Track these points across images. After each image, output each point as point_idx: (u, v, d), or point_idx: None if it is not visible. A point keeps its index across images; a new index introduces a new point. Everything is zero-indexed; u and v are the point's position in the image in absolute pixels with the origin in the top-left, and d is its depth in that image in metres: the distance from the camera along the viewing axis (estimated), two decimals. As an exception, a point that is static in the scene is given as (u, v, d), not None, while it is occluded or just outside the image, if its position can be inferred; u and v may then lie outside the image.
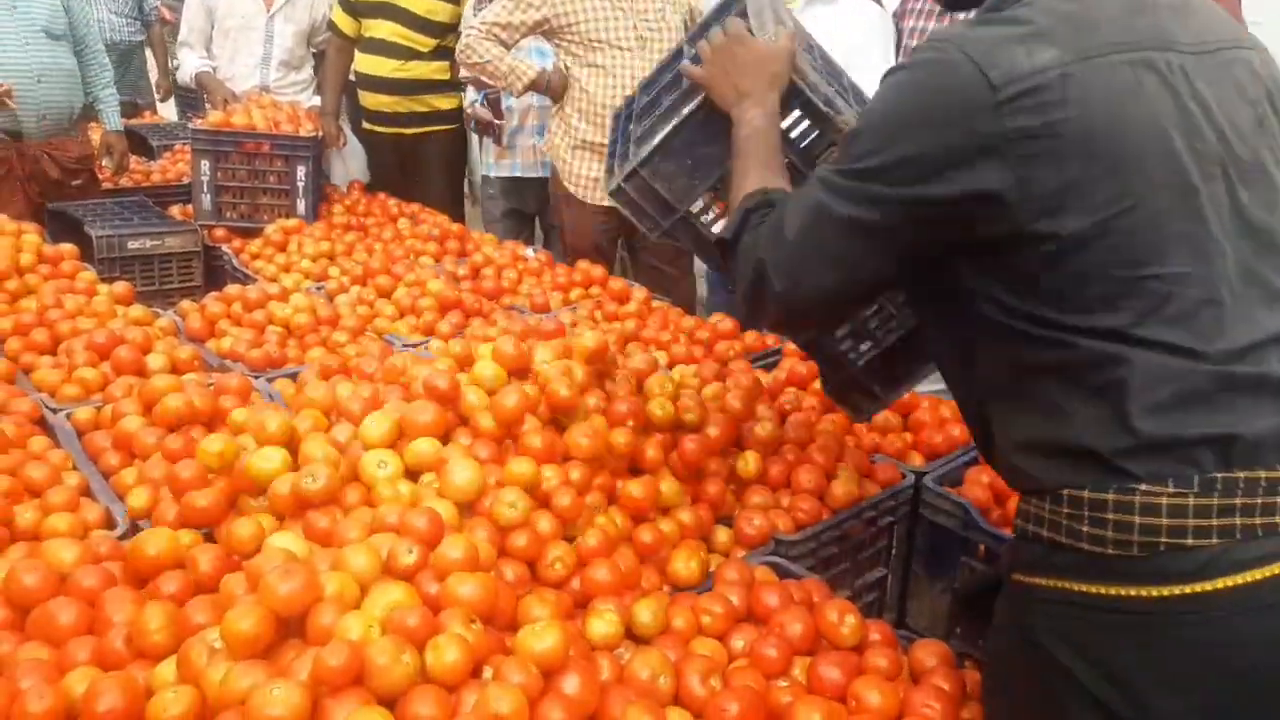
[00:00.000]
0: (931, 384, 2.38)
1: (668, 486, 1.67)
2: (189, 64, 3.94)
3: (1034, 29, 0.98)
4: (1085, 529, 0.99)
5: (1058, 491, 1.01)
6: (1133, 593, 0.96)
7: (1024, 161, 0.96)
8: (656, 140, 1.41)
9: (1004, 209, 0.97)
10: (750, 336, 2.62)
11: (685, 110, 1.42)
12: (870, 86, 2.69)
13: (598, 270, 3.10)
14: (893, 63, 2.72)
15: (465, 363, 1.81)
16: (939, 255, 1.06)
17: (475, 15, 3.59)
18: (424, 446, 1.53)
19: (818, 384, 2.32)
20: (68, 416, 2.00)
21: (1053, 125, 0.95)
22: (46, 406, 2.04)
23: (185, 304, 2.70)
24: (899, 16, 2.83)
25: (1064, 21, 0.99)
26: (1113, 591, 0.97)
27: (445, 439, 1.58)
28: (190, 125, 3.70)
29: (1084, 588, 1.00)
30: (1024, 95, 0.95)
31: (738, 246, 1.22)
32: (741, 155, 1.33)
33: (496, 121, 3.67)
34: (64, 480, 1.76)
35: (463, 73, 3.75)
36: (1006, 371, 1.06)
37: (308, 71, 4.11)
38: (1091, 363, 0.98)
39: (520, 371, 1.73)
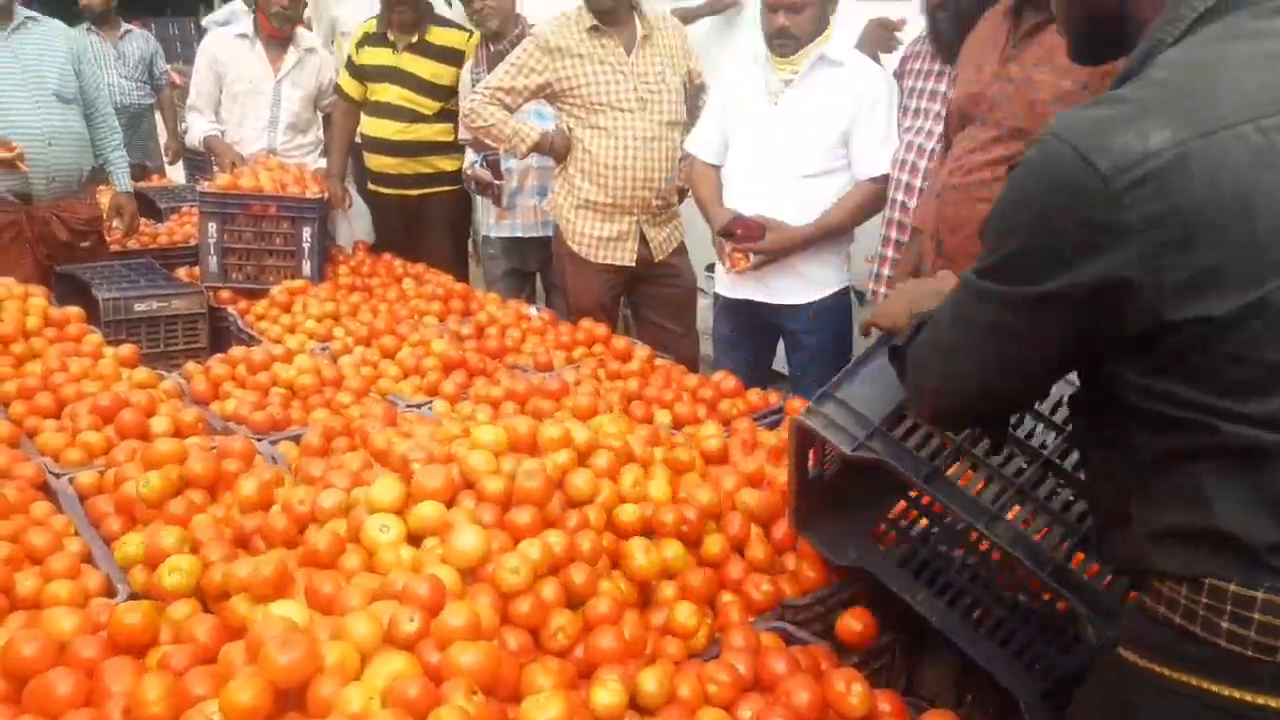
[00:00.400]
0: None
1: (673, 551, 1.65)
2: (197, 128, 4.00)
3: (1143, 107, 0.93)
4: (1225, 624, 0.92)
5: (1199, 579, 0.95)
6: (1272, 704, 0.90)
7: (1152, 248, 0.91)
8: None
9: (1138, 298, 0.93)
10: (754, 394, 2.62)
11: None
12: (877, 144, 2.75)
13: (600, 329, 3.11)
14: (894, 127, 2.78)
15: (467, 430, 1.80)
16: (1080, 347, 1.02)
17: (473, 76, 3.65)
18: (428, 511, 1.52)
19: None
20: (70, 481, 1.99)
21: (1177, 208, 0.90)
22: (50, 471, 2.04)
23: (190, 366, 2.71)
24: (898, 76, 2.88)
25: (1179, 95, 0.94)
26: (1247, 698, 0.91)
27: (449, 504, 1.57)
28: (198, 188, 3.74)
29: (1212, 687, 0.93)
30: (1140, 182, 0.90)
31: (905, 352, 1.24)
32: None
33: (496, 182, 3.71)
34: (65, 547, 1.75)
35: (462, 134, 3.80)
36: (1150, 456, 1.00)
37: (314, 134, 4.18)
38: (1243, 450, 0.92)
39: (526, 443, 1.72)
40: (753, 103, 2.87)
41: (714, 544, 1.73)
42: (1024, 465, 1.44)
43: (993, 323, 1.04)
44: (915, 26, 2.88)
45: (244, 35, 3.95)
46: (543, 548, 1.47)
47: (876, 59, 2.99)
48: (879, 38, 2.90)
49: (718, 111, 3.00)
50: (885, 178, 2.79)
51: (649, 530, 1.68)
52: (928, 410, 1.23)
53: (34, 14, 3.56)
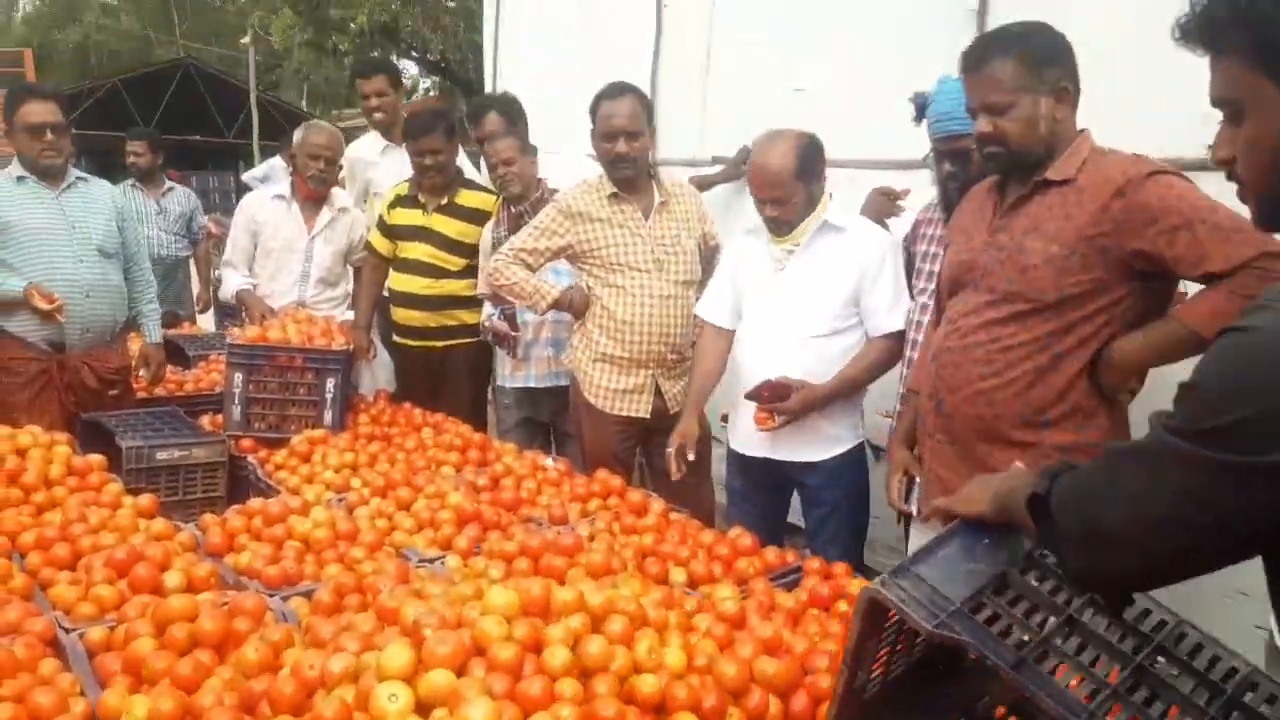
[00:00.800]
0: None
1: (687, 724, 1.61)
2: (231, 282, 4.16)
3: None
4: None
5: None
6: None
7: None
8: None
9: None
10: (770, 553, 2.60)
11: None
12: (889, 303, 2.81)
13: (616, 480, 3.12)
14: (903, 285, 2.85)
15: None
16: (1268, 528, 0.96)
17: (493, 235, 3.80)
18: (439, 679, 1.50)
19: (843, 606, 2.28)
20: (80, 637, 1.98)
21: None
22: (61, 626, 2.03)
23: (207, 518, 2.72)
24: (910, 241, 2.96)
25: None
26: None
27: (460, 671, 1.55)
28: (227, 339, 3.85)
29: None
30: None
31: (1051, 502, 1.17)
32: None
33: (512, 334, 3.81)
34: (70, 708, 1.73)
35: (480, 288, 3.92)
36: None
37: (344, 288, 4.33)
38: None
39: (539, 607, 1.71)
40: (759, 271, 2.96)
41: (733, 717, 1.68)
42: (1120, 662, 1.33)
43: (1187, 488, 0.99)
44: (924, 194, 2.99)
45: (281, 196, 4.16)
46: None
47: (883, 224, 3.10)
48: (881, 205, 3.01)
49: (727, 277, 3.09)
50: (900, 334, 2.84)
51: (665, 703, 1.64)
52: (1083, 562, 1.14)
53: (84, 175, 3.77)
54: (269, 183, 4.38)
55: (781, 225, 2.86)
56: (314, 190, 4.11)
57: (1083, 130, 2.13)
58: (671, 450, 3.02)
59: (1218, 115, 2.42)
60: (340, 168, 4.38)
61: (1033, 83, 2.06)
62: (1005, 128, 2.08)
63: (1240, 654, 1.60)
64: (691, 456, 3.01)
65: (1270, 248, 1.86)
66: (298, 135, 4.18)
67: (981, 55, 2.11)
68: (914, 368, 2.65)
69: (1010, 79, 2.06)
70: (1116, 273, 2.03)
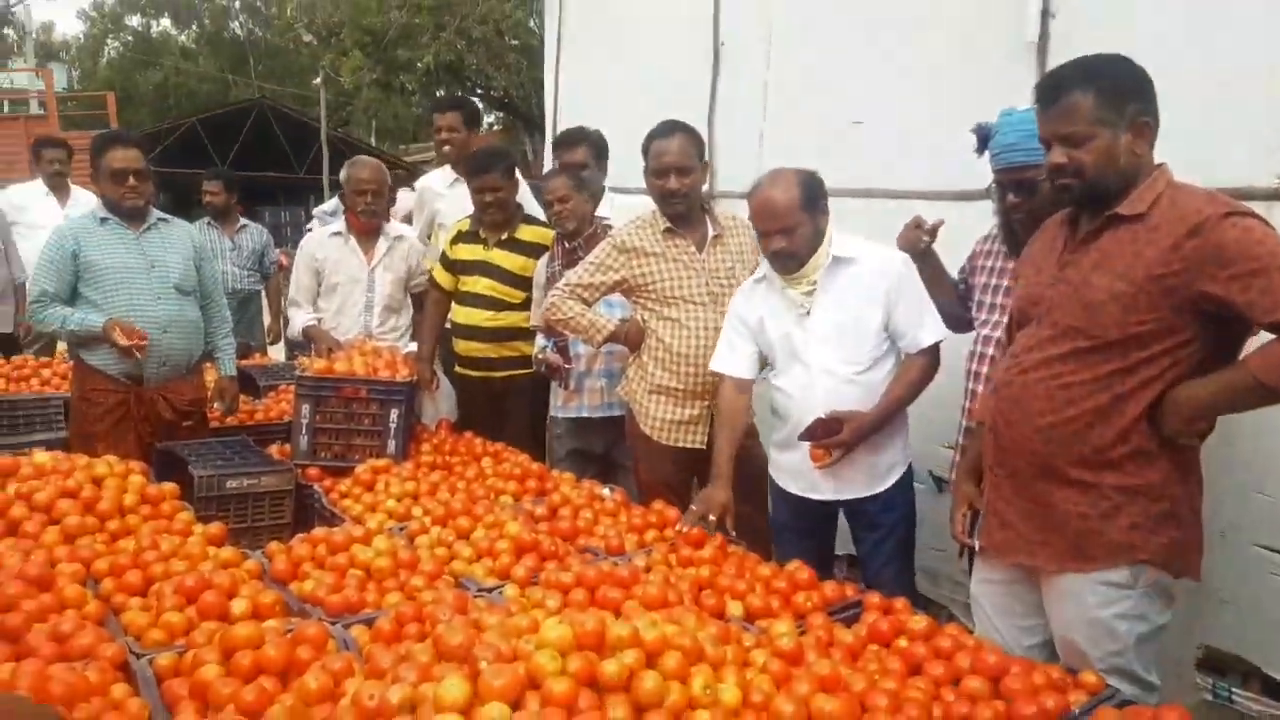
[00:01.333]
0: (1017, 641, 2.28)
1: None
2: (298, 320, 4.32)
3: None
4: None
5: None
6: None
7: None
8: None
9: None
10: (829, 587, 2.57)
11: None
12: (918, 318, 2.78)
13: (673, 511, 3.11)
14: (926, 297, 2.80)
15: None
16: None
17: (547, 270, 3.85)
18: (494, 714, 1.51)
19: (903, 642, 2.25)
20: (150, 662, 2.03)
21: None
22: (132, 651, 2.09)
23: (273, 545, 2.79)
24: (969, 272, 2.93)
25: None
26: None
27: (515, 704, 1.56)
28: (296, 372, 3.95)
29: None
30: None
31: None
32: None
33: (565, 366, 3.85)
34: (139, 732, 1.77)
35: (533, 320, 3.98)
36: None
37: (407, 316, 4.43)
38: None
39: (594, 641, 1.71)
40: (785, 317, 2.92)
41: (786, 754, 1.66)
42: None
43: None
44: (983, 225, 2.95)
45: (338, 233, 4.31)
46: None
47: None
48: (909, 238, 2.97)
49: (743, 330, 3.02)
50: (935, 347, 2.82)
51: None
52: None
53: (165, 215, 3.92)
54: (335, 218, 4.52)
55: (790, 261, 2.83)
56: (367, 223, 4.26)
57: (1160, 165, 2.07)
58: (712, 518, 2.89)
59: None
60: (393, 200, 4.50)
61: (1111, 116, 2.00)
62: (1082, 159, 2.02)
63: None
64: (731, 530, 2.93)
65: None
66: (344, 173, 4.33)
67: (1059, 86, 2.06)
68: (979, 401, 2.61)
69: (1088, 111, 2.00)
70: (1184, 314, 1.96)
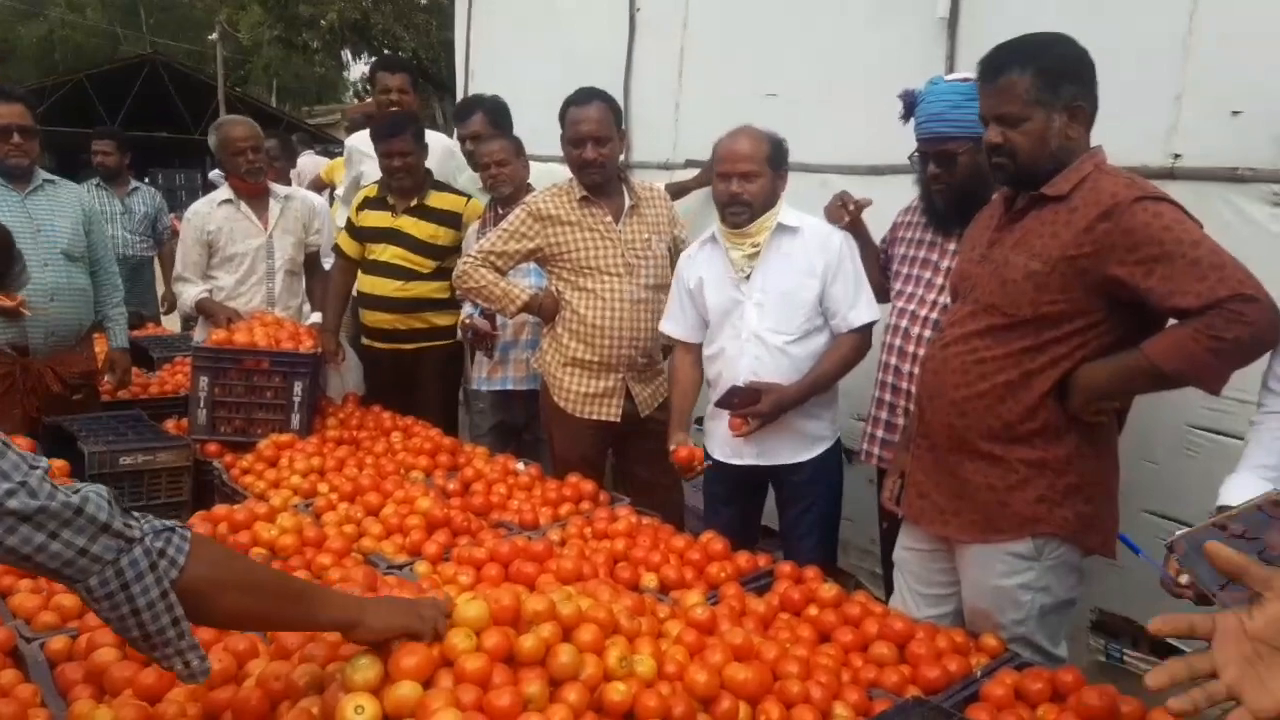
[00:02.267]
0: (929, 608, 2.36)
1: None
2: (188, 294, 4.04)
3: None
4: None
5: None
6: None
7: None
8: None
9: None
10: (742, 558, 2.60)
11: None
12: (852, 298, 2.82)
13: (588, 485, 3.11)
14: (864, 278, 2.85)
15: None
16: None
17: (478, 237, 3.77)
18: (406, 691, 1.48)
19: (813, 610, 2.29)
20: (41, 646, 1.94)
21: None
22: (21, 635, 2.00)
23: (171, 524, 2.68)
24: (889, 243, 2.97)
25: None
26: None
27: (428, 683, 1.53)
28: (192, 342, 3.80)
29: None
30: None
31: None
32: None
33: (492, 334, 3.78)
34: (30, 719, 1.69)
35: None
36: None
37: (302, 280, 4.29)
38: None
39: (509, 616, 1.69)
40: (725, 282, 2.94)
41: (701, 724, 1.68)
42: None
43: None
44: (904, 197, 2.99)
45: (228, 200, 4.04)
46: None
47: None
48: (834, 213, 3.01)
49: (685, 294, 3.05)
50: (866, 327, 2.86)
51: (635, 711, 1.63)
52: None
53: (51, 177, 3.70)
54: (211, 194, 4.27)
55: (742, 211, 2.83)
56: (254, 184, 4.03)
57: (1095, 148, 2.10)
58: (680, 453, 2.93)
59: (1185, 125, 2.47)
60: (269, 154, 4.30)
61: (1047, 98, 2.02)
62: (1015, 140, 2.05)
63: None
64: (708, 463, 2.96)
65: (1244, 290, 1.84)
66: (213, 139, 4.06)
67: (999, 65, 2.07)
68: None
69: (1024, 92, 2.02)
70: (1093, 296, 2.01)
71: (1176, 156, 2.67)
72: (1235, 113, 2.55)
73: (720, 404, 2.88)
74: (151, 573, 1.30)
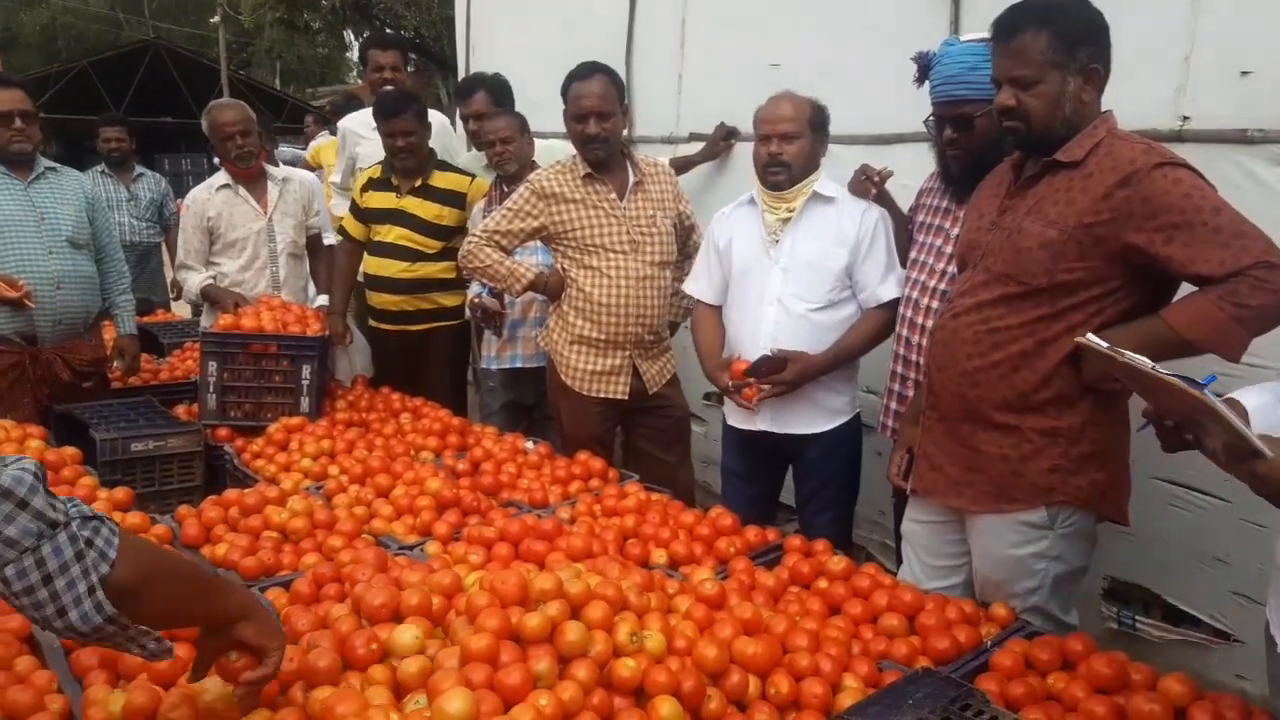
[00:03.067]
0: (939, 579, 2.35)
1: (668, 709, 1.61)
2: (192, 282, 4.03)
3: None
4: None
5: None
6: None
7: None
8: None
9: None
10: (751, 532, 2.60)
11: None
12: (881, 274, 2.80)
13: (597, 462, 3.11)
14: (895, 256, 2.82)
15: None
16: None
17: (483, 215, 3.75)
18: (413, 667, 1.49)
19: (823, 583, 2.30)
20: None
21: None
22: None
23: (183, 509, 2.70)
24: (912, 211, 2.94)
25: None
26: None
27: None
28: (200, 328, 3.80)
29: None
30: None
31: None
32: None
33: (501, 312, 3.78)
34: (47, 705, 1.71)
35: None
36: None
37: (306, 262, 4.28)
38: None
39: (517, 597, 1.70)
40: (755, 244, 2.94)
41: (712, 699, 1.69)
42: None
43: None
44: (927, 165, 2.96)
45: (226, 185, 4.02)
46: (534, 714, 1.43)
47: None
48: (859, 187, 2.98)
49: (714, 255, 3.07)
50: (894, 303, 2.84)
51: (645, 686, 1.64)
52: None
53: (54, 164, 3.70)
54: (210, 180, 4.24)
55: (781, 170, 2.84)
56: (247, 169, 3.99)
57: (1106, 112, 2.07)
58: (731, 386, 2.90)
59: (1194, 86, 2.42)
60: (262, 136, 4.27)
61: (1063, 60, 1.99)
62: (1029, 104, 2.02)
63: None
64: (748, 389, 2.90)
65: (1268, 257, 1.82)
66: (205, 123, 4.03)
67: (1014, 25, 2.02)
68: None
69: (1040, 53, 1.98)
70: (1111, 263, 1.98)
71: (1185, 119, 2.64)
72: (1244, 73, 2.51)
73: (748, 372, 2.87)
74: (78, 563, 1.13)
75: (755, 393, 2.84)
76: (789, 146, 2.82)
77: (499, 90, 4.24)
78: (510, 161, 3.74)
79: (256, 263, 4.04)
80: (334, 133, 5.49)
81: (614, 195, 3.26)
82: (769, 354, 2.84)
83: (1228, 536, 2.62)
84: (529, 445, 3.30)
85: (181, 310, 6.32)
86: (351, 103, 5.56)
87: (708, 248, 3.11)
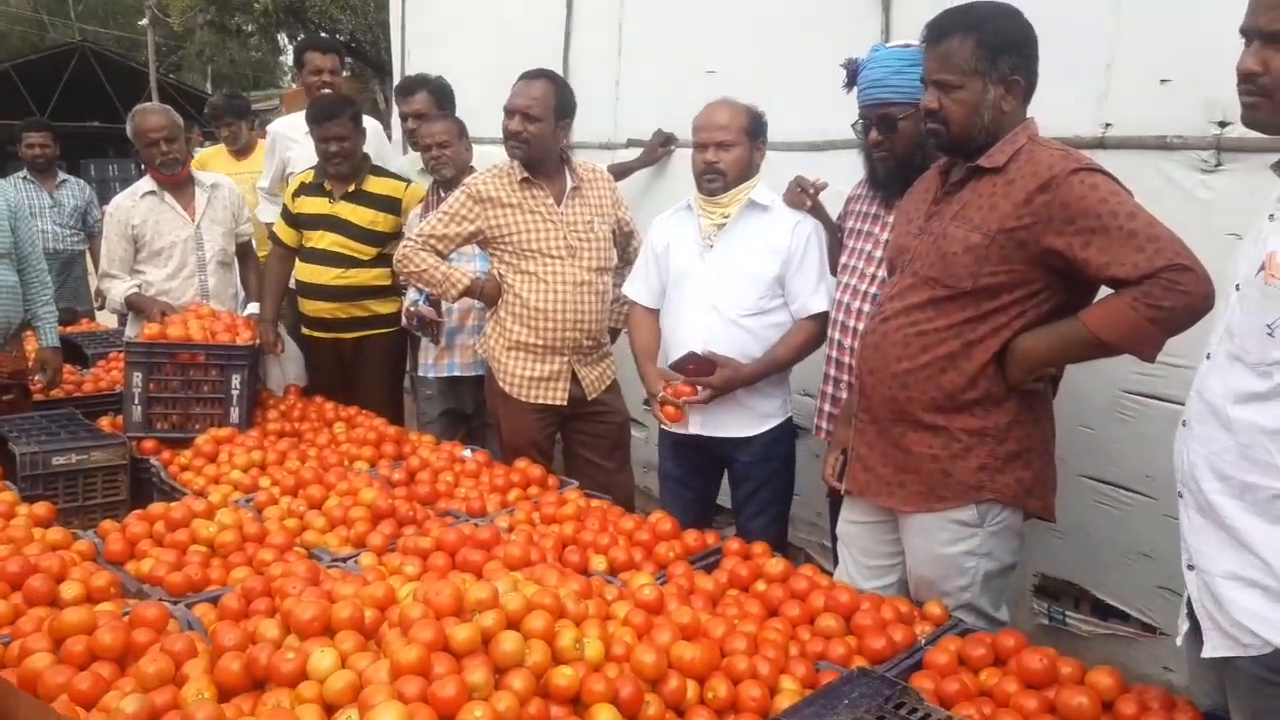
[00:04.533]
0: (874, 579, 2.38)
1: (607, 717, 1.60)
2: (116, 291, 3.90)
3: None
4: None
5: None
6: None
7: None
8: None
9: None
10: (691, 536, 2.61)
11: None
12: (813, 285, 2.83)
13: (535, 470, 3.09)
14: (826, 267, 2.85)
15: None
16: None
17: (419, 221, 3.70)
18: (339, 683, 1.46)
19: (761, 586, 2.31)
20: (-31, 656, 1.88)
21: None
22: (-52, 645, 1.93)
23: (106, 524, 2.62)
24: (841, 218, 2.97)
25: None
26: None
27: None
28: (125, 338, 3.69)
29: None
30: None
31: None
32: None
33: (438, 320, 3.73)
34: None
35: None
36: None
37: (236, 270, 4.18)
38: None
39: (451, 609, 1.67)
40: (690, 249, 2.96)
41: (650, 705, 1.68)
42: None
43: None
44: (835, 175, 3.00)
45: (151, 192, 3.90)
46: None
47: None
48: (794, 197, 3.01)
49: (652, 259, 3.08)
50: (825, 315, 2.87)
51: (581, 695, 1.63)
52: None
53: None
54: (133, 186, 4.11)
55: (716, 178, 2.86)
56: (173, 175, 3.89)
57: (1028, 119, 2.12)
58: (660, 396, 2.92)
59: (1116, 94, 2.47)
60: (185, 142, 4.17)
61: (985, 68, 2.03)
62: (949, 108, 2.07)
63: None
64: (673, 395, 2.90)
65: (1180, 260, 1.87)
66: (130, 129, 3.92)
67: (943, 29, 2.07)
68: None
69: (964, 60, 2.03)
70: (1033, 267, 2.03)
71: (1107, 125, 2.71)
72: (1164, 81, 2.58)
73: (675, 367, 2.88)
74: None
75: (679, 415, 2.87)
76: (725, 154, 2.84)
77: (441, 93, 4.21)
78: (446, 166, 3.71)
79: (184, 271, 3.93)
80: (214, 141, 5.37)
81: (551, 200, 3.24)
82: (698, 352, 2.84)
83: (1153, 532, 2.69)
84: (466, 453, 3.26)
85: (107, 320, 6.13)
86: (232, 101, 5.39)
87: (647, 252, 3.13)
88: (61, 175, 5.90)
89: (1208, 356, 1.62)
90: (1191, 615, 1.65)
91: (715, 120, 2.86)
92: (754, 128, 2.89)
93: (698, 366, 2.83)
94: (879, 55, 2.60)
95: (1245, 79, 1.52)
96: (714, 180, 2.87)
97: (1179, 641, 1.74)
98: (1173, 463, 1.72)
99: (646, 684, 1.72)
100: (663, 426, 3.06)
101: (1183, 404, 1.71)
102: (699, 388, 2.85)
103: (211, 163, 5.20)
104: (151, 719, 1.63)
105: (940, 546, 2.21)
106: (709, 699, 1.77)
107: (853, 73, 2.67)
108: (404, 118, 4.26)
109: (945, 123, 2.09)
